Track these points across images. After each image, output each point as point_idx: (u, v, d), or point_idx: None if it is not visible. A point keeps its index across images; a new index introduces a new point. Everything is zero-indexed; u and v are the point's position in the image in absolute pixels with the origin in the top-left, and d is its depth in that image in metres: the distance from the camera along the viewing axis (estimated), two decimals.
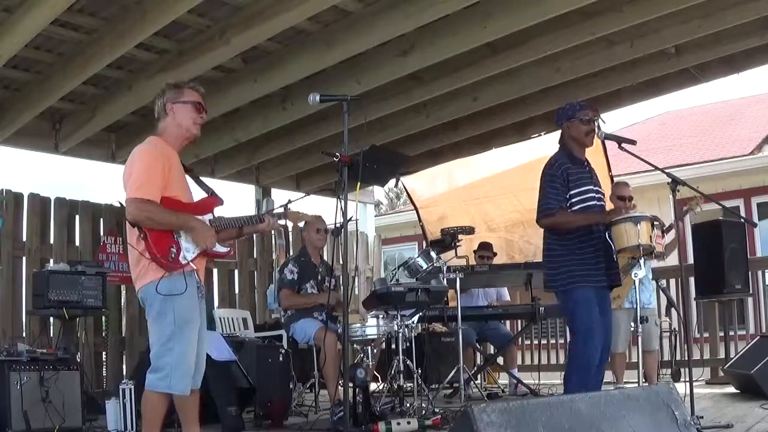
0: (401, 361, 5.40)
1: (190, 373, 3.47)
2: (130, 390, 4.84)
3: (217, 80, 6.34)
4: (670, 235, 5.94)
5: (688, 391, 4.00)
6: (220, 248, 3.69)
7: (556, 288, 4.44)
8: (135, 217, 3.43)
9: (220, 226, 3.70)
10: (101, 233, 7.39)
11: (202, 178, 3.94)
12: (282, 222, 4.08)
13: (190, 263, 3.49)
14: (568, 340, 4.47)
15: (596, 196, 4.45)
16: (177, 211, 3.50)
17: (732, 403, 5.38)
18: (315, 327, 5.69)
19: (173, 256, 3.44)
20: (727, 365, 6.26)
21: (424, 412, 5.18)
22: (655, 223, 4.75)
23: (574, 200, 4.37)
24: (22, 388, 4.70)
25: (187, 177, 3.77)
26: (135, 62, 5.97)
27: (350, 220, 3.89)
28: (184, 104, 3.66)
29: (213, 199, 3.78)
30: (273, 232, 8.44)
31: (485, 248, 7.40)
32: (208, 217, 3.68)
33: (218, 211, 3.80)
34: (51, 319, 6.27)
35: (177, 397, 3.49)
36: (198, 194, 3.79)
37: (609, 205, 5.06)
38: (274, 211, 4.08)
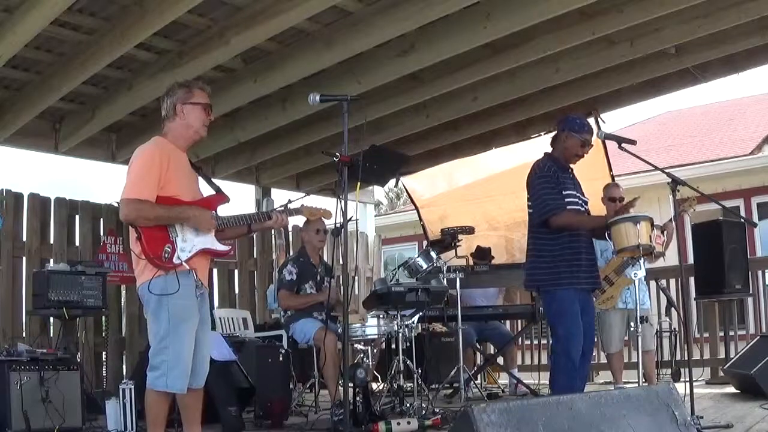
0: (401, 361, 5.40)
1: (187, 371, 3.46)
2: (130, 390, 4.84)
3: (217, 80, 6.32)
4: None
5: (688, 391, 4.00)
6: (220, 247, 3.67)
7: (541, 286, 4.50)
8: (127, 216, 3.46)
9: (224, 225, 3.70)
10: (101, 233, 7.39)
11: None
12: (291, 218, 4.00)
13: (184, 263, 3.48)
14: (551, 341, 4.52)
15: (579, 201, 4.50)
16: (170, 206, 3.50)
17: (732, 403, 5.37)
18: (315, 327, 5.69)
19: (167, 255, 3.45)
20: (727, 365, 6.25)
21: (424, 412, 5.18)
22: (655, 224, 4.76)
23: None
24: (22, 388, 4.69)
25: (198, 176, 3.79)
26: (135, 62, 5.97)
27: (350, 220, 3.89)
28: (194, 105, 3.66)
29: (216, 197, 3.77)
30: (273, 231, 8.45)
31: (482, 256, 7.33)
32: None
33: (223, 210, 3.80)
34: (51, 319, 6.28)
35: (178, 395, 3.51)
36: (208, 193, 3.80)
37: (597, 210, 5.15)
38: (289, 206, 4.03)
